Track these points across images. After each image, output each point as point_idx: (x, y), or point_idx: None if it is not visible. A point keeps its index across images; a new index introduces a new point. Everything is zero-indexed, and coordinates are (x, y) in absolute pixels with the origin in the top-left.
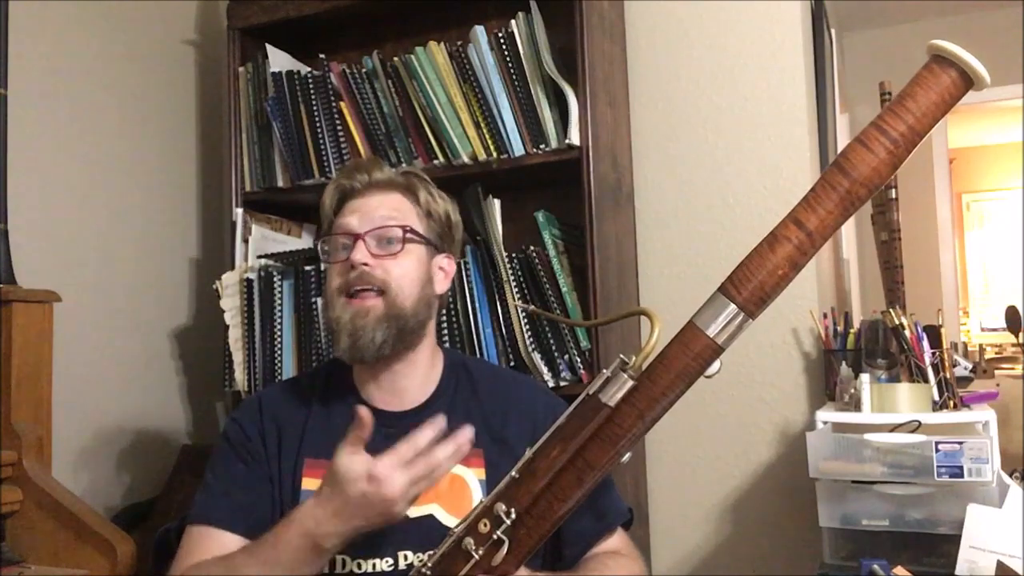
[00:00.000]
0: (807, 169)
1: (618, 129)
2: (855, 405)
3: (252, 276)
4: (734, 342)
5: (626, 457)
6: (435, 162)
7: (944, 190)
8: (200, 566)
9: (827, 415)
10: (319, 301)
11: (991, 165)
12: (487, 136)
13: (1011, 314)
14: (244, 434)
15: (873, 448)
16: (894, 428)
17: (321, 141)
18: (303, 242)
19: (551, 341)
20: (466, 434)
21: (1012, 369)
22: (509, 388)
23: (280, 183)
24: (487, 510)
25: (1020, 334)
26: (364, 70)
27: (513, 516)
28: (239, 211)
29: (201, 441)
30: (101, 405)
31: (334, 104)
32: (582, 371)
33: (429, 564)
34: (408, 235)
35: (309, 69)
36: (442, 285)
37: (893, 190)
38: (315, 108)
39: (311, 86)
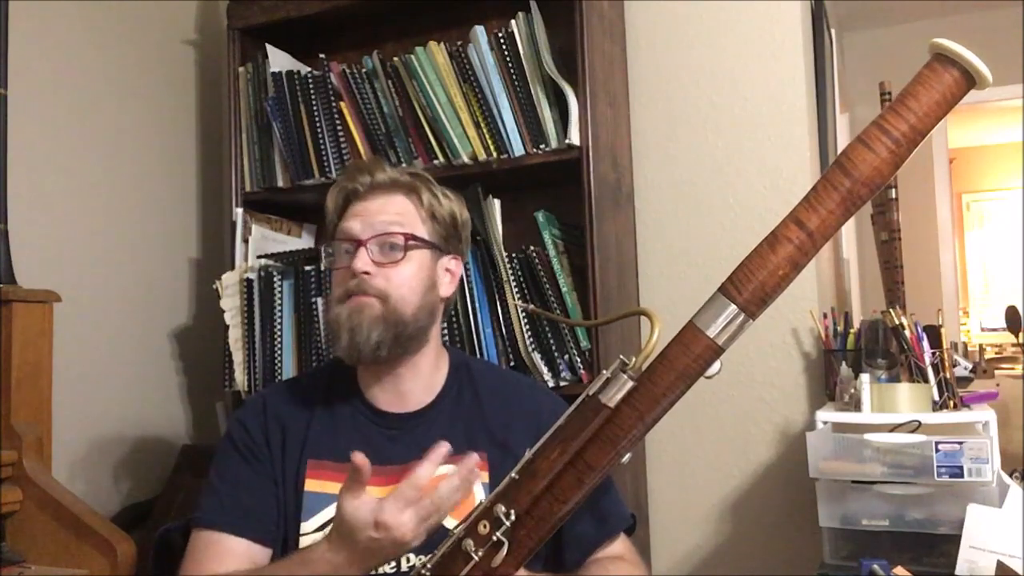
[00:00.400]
0: (807, 169)
1: (618, 129)
2: (855, 405)
3: (252, 276)
4: (734, 343)
5: (626, 458)
6: (435, 162)
7: (944, 190)
8: None
9: (827, 415)
10: (319, 301)
11: (991, 165)
12: (487, 136)
13: (1011, 314)
14: (248, 435)
15: (873, 448)
16: (894, 428)
17: (321, 141)
18: (303, 242)
19: (551, 341)
20: (471, 461)
21: (1012, 369)
22: (513, 391)
23: (280, 183)
24: (487, 511)
25: (1020, 334)
26: (364, 70)
27: (513, 517)
28: (239, 211)
29: (201, 441)
30: (101, 405)
31: (334, 104)
32: (582, 371)
33: (429, 565)
34: (410, 242)
35: (309, 69)
36: (448, 288)
37: (893, 190)
38: (315, 108)
39: (311, 86)
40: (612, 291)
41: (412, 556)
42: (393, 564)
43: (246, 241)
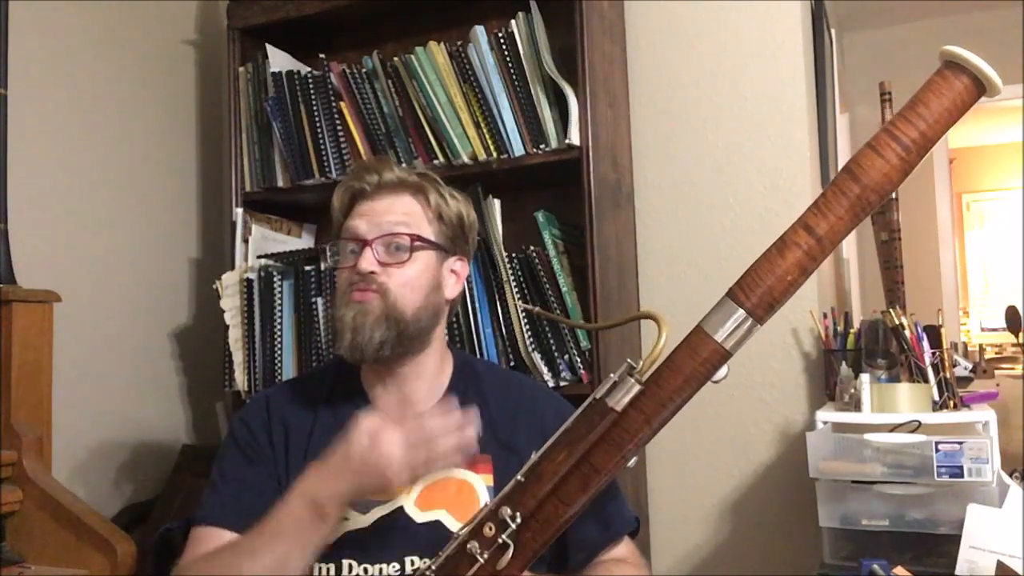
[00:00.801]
0: (807, 169)
1: (618, 129)
2: (855, 405)
3: (252, 276)
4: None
5: (632, 462)
6: (435, 162)
7: (944, 190)
8: (208, 555)
9: (827, 415)
10: (319, 301)
11: (991, 165)
12: (487, 136)
13: (1011, 314)
14: (251, 435)
15: (873, 448)
16: (894, 428)
17: (321, 141)
18: (303, 242)
19: (551, 341)
20: (471, 431)
21: (1012, 369)
22: (517, 393)
23: (280, 183)
24: (492, 514)
25: (1020, 334)
26: (364, 70)
27: (518, 520)
28: (239, 211)
29: (201, 441)
30: (101, 405)
31: (334, 104)
32: (582, 371)
33: (433, 567)
34: (416, 243)
35: (309, 69)
36: (453, 289)
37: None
38: (315, 108)
39: (311, 86)
40: (612, 291)
41: (418, 560)
42: (398, 567)
43: (246, 241)
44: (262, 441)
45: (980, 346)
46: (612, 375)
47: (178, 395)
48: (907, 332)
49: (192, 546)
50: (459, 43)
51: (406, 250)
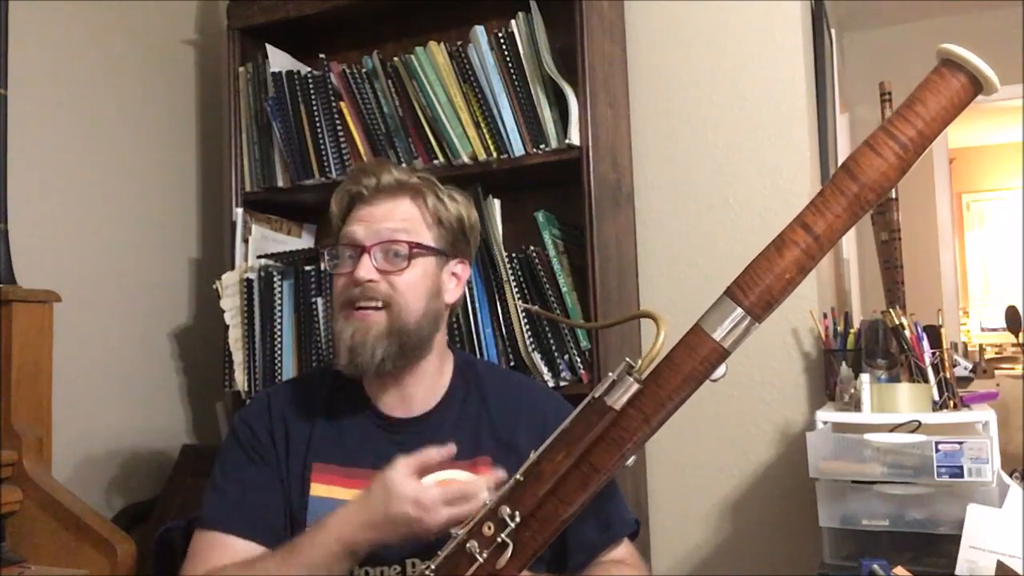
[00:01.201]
0: (807, 169)
1: (618, 129)
2: (855, 405)
3: (252, 276)
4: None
5: (631, 461)
6: (435, 162)
7: (944, 190)
8: (225, 569)
9: (827, 415)
10: (319, 301)
11: (991, 165)
12: (487, 136)
13: (1011, 314)
14: (253, 435)
15: (873, 448)
16: (894, 428)
17: (321, 141)
18: (303, 242)
19: (551, 341)
20: (499, 475)
21: (1012, 369)
22: (517, 392)
23: (280, 183)
24: (491, 513)
25: (1020, 334)
26: (364, 70)
27: (517, 519)
28: (239, 211)
29: (201, 441)
30: (101, 405)
31: (334, 104)
32: (582, 371)
33: (433, 567)
34: (415, 250)
35: (309, 69)
36: (453, 294)
37: (893, 190)
38: (315, 108)
39: (311, 86)
40: (612, 291)
41: (419, 562)
42: (399, 569)
43: (246, 241)
44: (264, 441)
45: (980, 346)
46: (610, 374)
47: (178, 395)
48: (907, 332)
49: (197, 551)
50: (459, 43)
51: (405, 257)
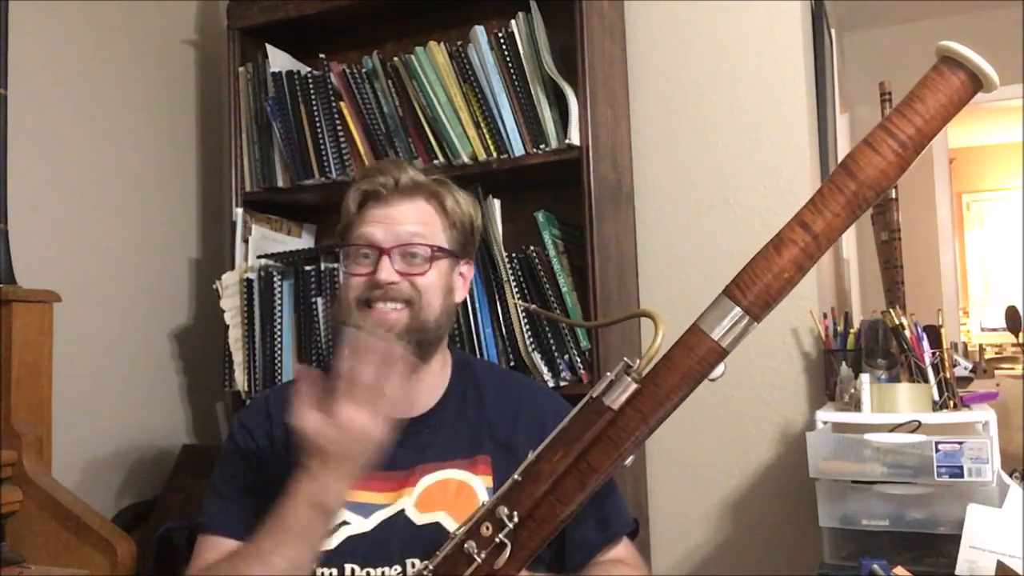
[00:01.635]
0: (807, 169)
1: (618, 129)
2: (855, 405)
3: (252, 276)
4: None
5: (629, 461)
6: (435, 162)
7: (944, 190)
8: (214, 565)
9: (827, 415)
10: (319, 301)
11: (991, 165)
12: (487, 136)
13: (1011, 314)
14: (252, 438)
15: (873, 448)
16: (894, 428)
17: (321, 141)
18: (303, 242)
19: (551, 341)
20: (392, 346)
21: (1012, 369)
22: (516, 392)
23: (280, 183)
24: (489, 513)
25: (1020, 334)
26: (364, 70)
27: (516, 519)
28: (239, 211)
29: (201, 441)
30: (101, 405)
31: (334, 104)
32: (582, 371)
33: (431, 567)
34: (436, 253)
35: (309, 69)
36: (461, 293)
37: (893, 190)
38: (315, 108)
39: (311, 86)
40: (612, 291)
41: (419, 562)
42: (399, 570)
43: (246, 241)
44: (263, 444)
45: (980, 346)
46: (609, 374)
47: (178, 395)
48: (907, 332)
49: (200, 556)
50: (459, 43)
51: (425, 260)
